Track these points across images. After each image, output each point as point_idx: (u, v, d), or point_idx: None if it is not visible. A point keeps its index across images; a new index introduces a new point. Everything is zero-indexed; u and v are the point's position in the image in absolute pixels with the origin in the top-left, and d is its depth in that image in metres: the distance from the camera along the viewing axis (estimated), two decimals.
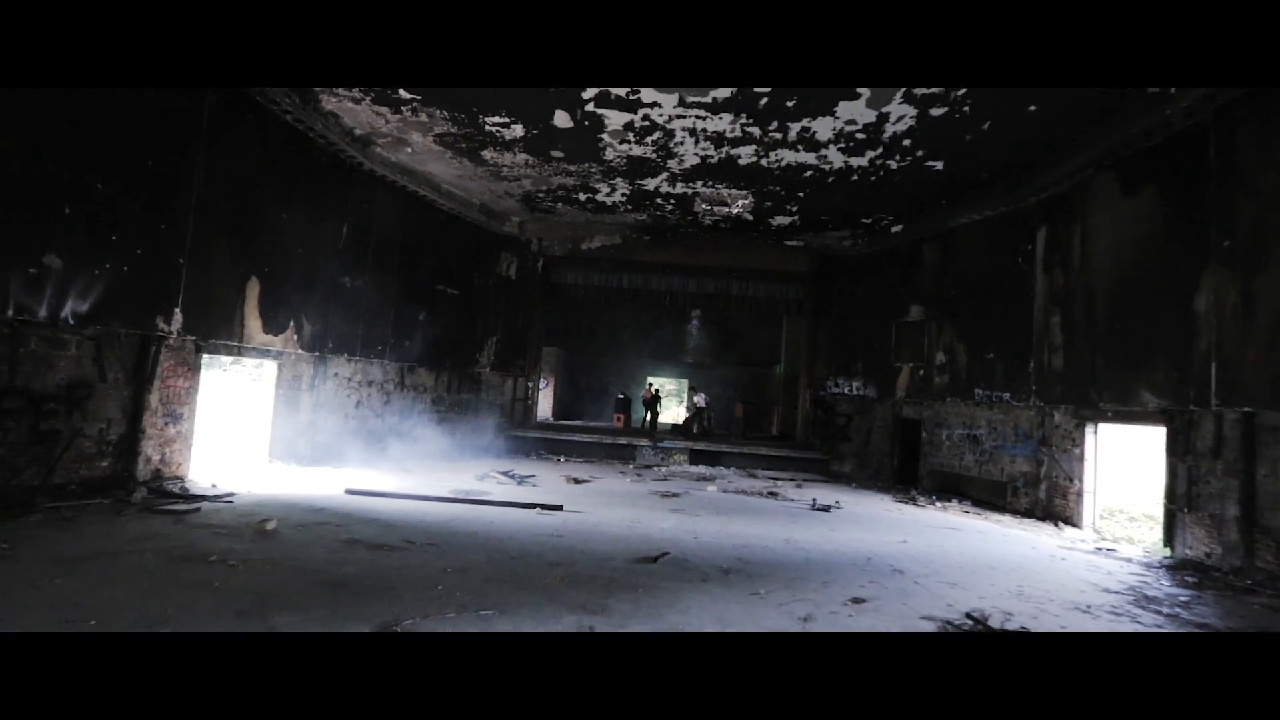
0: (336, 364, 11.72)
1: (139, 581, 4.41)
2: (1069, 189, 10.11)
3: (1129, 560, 7.53)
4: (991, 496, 11.57)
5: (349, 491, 8.30)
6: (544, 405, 20.54)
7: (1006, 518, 10.40)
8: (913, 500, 11.78)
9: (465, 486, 9.71)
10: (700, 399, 17.60)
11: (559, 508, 8.32)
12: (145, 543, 5.35)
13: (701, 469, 14.55)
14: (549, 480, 11.23)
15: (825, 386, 15.95)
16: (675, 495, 10.44)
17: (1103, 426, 9.53)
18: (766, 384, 23.08)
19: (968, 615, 4.91)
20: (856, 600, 5.13)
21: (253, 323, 9.58)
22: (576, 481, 11.14)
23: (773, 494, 11.33)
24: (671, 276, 16.65)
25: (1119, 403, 8.96)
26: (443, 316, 14.61)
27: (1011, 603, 5.37)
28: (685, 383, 24.62)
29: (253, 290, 9.52)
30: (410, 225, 13.40)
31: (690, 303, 16.98)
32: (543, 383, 20.71)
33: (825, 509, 9.96)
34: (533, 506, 8.27)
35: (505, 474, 10.92)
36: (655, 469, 14.17)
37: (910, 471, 13.92)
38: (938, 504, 11.40)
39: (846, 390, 15.72)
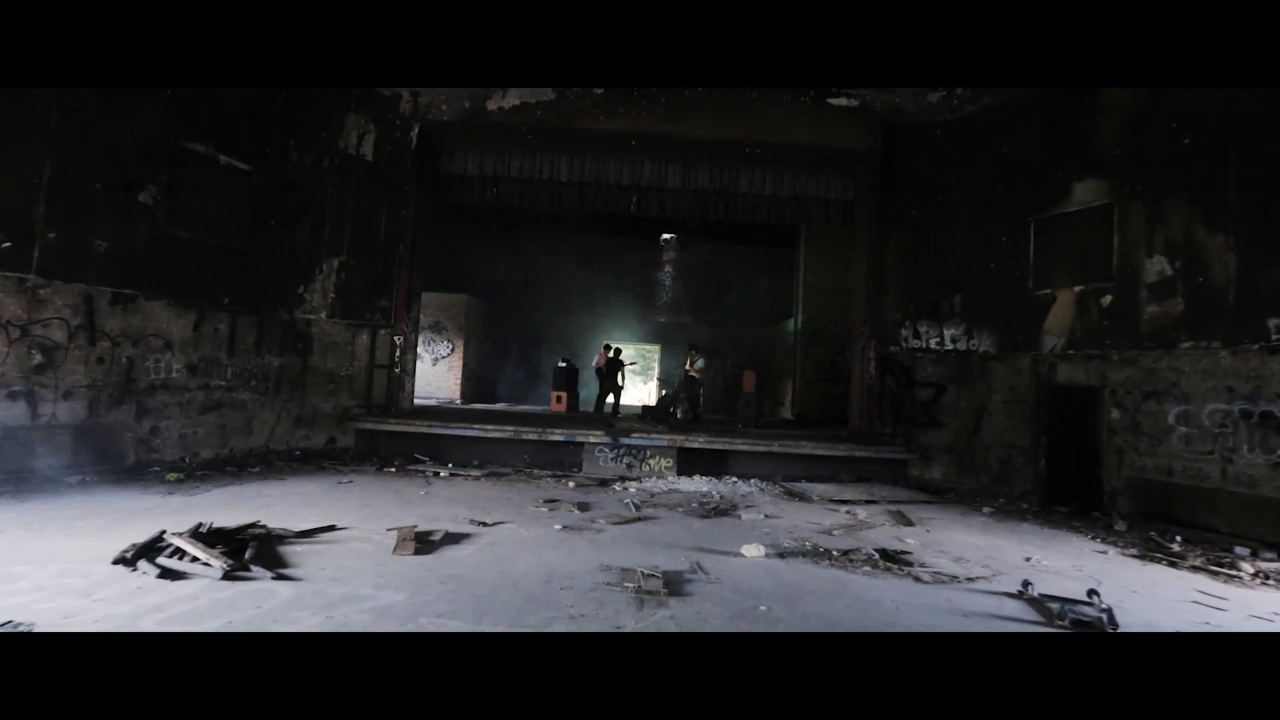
0: None
1: None
2: None
3: None
4: None
5: None
6: (448, 382, 13.78)
7: None
8: (1157, 550, 5.56)
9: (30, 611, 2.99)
10: (698, 365, 11.10)
11: None
12: None
13: (701, 484, 8.07)
14: (352, 548, 4.56)
15: (898, 338, 9.65)
16: (680, 593, 3.93)
17: None
18: (771, 349, 16.75)
19: None
20: None
21: None
22: (420, 548, 4.50)
23: (893, 559, 4.89)
24: (640, 159, 10.04)
25: None
26: (212, 209, 7.72)
27: None
28: (658, 349, 18.16)
29: None
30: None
31: (668, 206, 10.37)
32: (446, 348, 13.94)
33: (1084, 618, 3.60)
34: None
35: (210, 538, 4.21)
36: (617, 488, 7.64)
37: (1077, 480, 7.75)
38: (1229, 564, 5.19)
39: (933, 343, 9.44)
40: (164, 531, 4.18)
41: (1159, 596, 4.32)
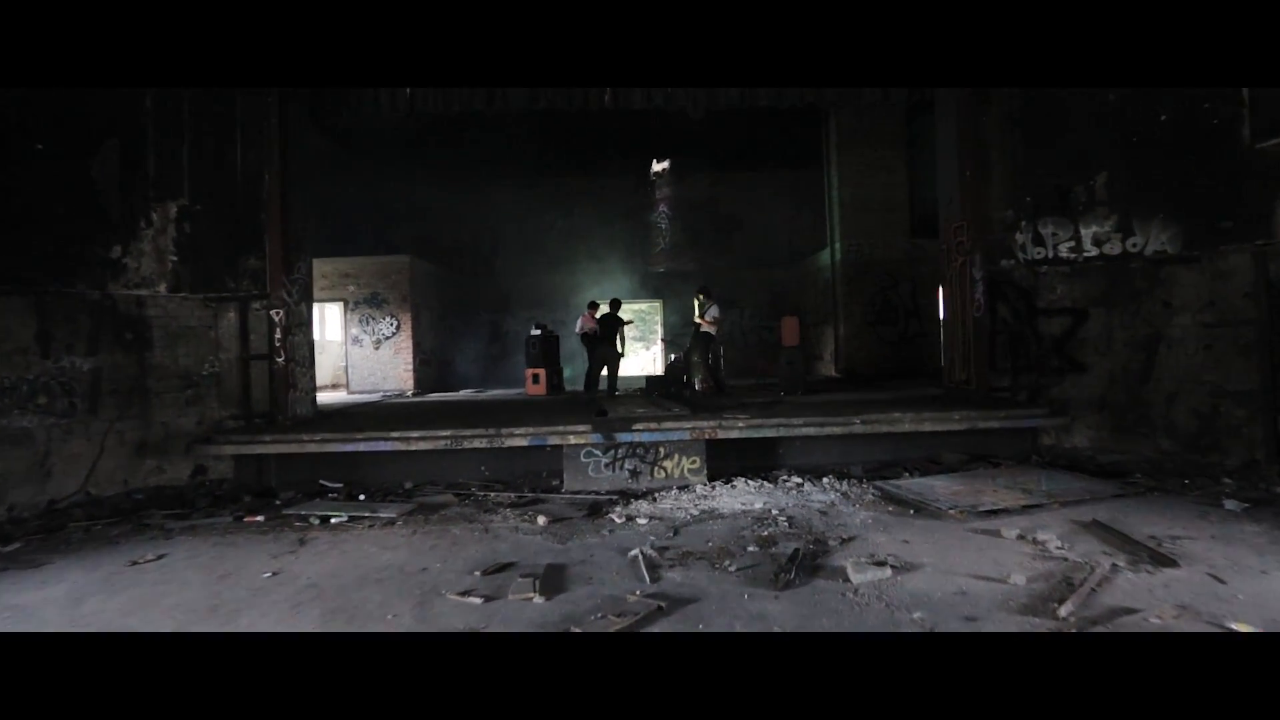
0: None
1: None
2: None
3: None
4: None
5: None
6: (397, 369, 10.83)
7: None
8: None
9: None
10: (711, 313, 8.07)
11: None
12: None
13: (749, 494, 5.14)
14: None
15: (1010, 247, 6.63)
16: None
17: None
18: (799, 292, 13.69)
19: None
20: None
21: None
22: None
23: None
24: None
25: None
26: None
27: None
28: (659, 305, 15.15)
29: None
30: None
31: (657, 92, 7.23)
32: (390, 325, 10.94)
33: None
34: None
35: None
36: (615, 517, 4.72)
37: None
38: None
39: (1063, 249, 6.42)
40: None
41: None
